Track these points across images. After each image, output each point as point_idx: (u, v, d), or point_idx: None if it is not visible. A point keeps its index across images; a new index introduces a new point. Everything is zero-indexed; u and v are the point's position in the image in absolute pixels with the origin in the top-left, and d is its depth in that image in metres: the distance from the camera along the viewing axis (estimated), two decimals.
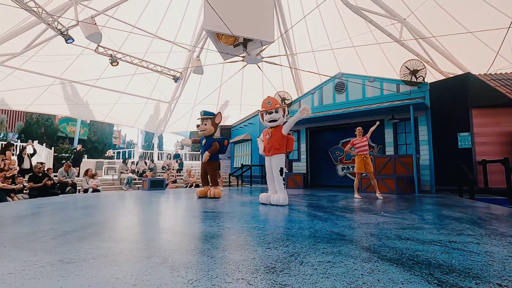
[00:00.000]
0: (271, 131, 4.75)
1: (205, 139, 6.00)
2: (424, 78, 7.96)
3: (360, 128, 6.14)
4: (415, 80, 7.99)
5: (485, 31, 8.09)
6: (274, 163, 4.63)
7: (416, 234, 2.44)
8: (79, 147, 14.49)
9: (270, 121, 4.75)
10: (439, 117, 8.01)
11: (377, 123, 6.28)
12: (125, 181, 11.25)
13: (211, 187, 5.96)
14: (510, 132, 7.41)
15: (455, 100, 7.95)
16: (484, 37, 9.19)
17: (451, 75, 10.04)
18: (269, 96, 4.96)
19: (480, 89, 7.68)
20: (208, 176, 5.98)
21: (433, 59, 10.71)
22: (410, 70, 8.08)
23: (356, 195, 5.83)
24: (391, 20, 10.54)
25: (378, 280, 1.39)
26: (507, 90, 7.30)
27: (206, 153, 5.81)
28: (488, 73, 8.11)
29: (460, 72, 9.79)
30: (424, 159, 7.99)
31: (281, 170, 4.57)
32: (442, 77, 10.29)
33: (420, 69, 7.99)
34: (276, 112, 4.72)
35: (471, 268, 1.58)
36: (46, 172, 8.29)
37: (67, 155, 18.23)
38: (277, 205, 4.40)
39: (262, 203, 4.68)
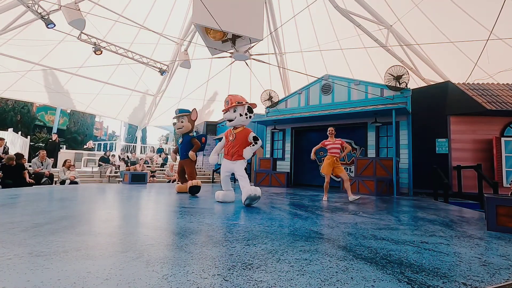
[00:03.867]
0: (236, 132, 4.38)
1: (181, 138, 5.96)
2: (407, 84, 8.20)
3: (332, 128, 5.73)
4: (398, 86, 8.22)
5: (466, 42, 8.44)
6: (238, 169, 4.32)
7: (391, 234, 2.52)
8: (54, 136, 13.66)
9: (228, 121, 4.44)
10: (419, 122, 8.28)
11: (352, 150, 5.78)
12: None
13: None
14: (484, 140, 7.77)
15: (435, 107, 8.24)
16: (464, 48, 9.56)
17: (432, 83, 10.41)
18: (229, 95, 4.56)
19: (458, 97, 8.00)
20: (186, 173, 5.91)
21: (416, 66, 11.06)
22: (394, 76, 8.30)
23: (325, 197, 5.44)
24: (378, 26, 10.77)
25: (352, 278, 1.42)
26: (483, 100, 7.65)
27: (192, 153, 5.76)
28: (466, 83, 8.45)
29: (441, 80, 10.16)
30: (403, 162, 8.24)
31: (244, 169, 4.39)
32: (423, 84, 10.64)
33: (404, 75, 8.22)
34: (234, 111, 4.35)
35: (440, 268, 1.64)
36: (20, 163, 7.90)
37: (43, 145, 17.51)
38: (255, 196, 4.05)
39: (217, 201, 4.47)
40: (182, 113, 5.97)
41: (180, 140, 5.96)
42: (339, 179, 6.16)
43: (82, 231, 2.23)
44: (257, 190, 4.09)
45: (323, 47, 12.51)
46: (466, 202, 6.65)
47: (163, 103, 17.02)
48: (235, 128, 4.45)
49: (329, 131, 5.73)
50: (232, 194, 4.57)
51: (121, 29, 11.70)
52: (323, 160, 5.71)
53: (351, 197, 5.30)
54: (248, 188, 4.07)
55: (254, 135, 4.31)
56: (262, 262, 1.61)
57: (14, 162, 7.21)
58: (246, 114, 4.35)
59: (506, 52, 9.03)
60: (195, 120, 6.07)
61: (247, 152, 4.24)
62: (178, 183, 6.23)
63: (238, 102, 4.35)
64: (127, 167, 11.51)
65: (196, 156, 5.97)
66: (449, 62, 10.54)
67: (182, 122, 5.91)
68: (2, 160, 7.35)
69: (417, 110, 8.29)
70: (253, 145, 4.25)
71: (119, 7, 11.25)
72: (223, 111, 4.53)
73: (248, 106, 4.39)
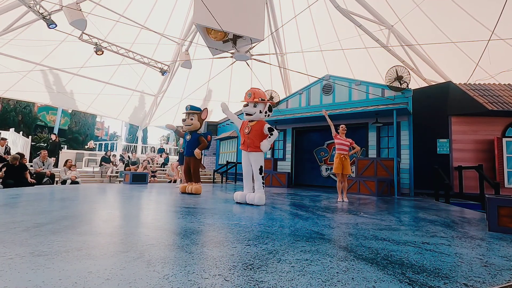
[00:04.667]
0: (251, 125, 4.42)
1: (189, 135, 5.93)
2: (408, 85, 8.19)
3: (344, 126, 5.88)
4: (400, 86, 8.20)
5: (467, 42, 8.41)
6: (254, 161, 4.38)
7: (392, 235, 2.51)
8: (54, 136, 13.69)
9: (246, 115, 4.46)
10: (420, 123, 8.26)
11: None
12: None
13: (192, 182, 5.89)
14: (485, 140, 7.75)
15: (436, 107, 8.22)
16: (465, 48, 9.54)
17: (433, 83, 10.38)
18: (252, 88, 4.57)
19: (459, 97, 7.98)
20: (191, 171, 5.91)
21: (417, 66, 11.03)
22: (395, 76, 8.28)
23: (339, 198, 5.51)
24: (379, 26, 10.75)
25: (353, 279, 1.42)
26: (485, 100, 7.62)
27: (198, 150, 5.73)
28: (468, 83, 8.43)
29: (442, 80, 10.14)
30: (404, 163, 8.23)
31: (261, 168, 4.35)
32: (425, 84, 10.61)
33: (405, 76, 8.21)
34: (255, 106, 4.38)
35: (441, 268, 1.64)
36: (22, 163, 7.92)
37: (45, 145, 17.55)
38: (252, 204, 4.23)
39: (237, 202, 4.45)
40: (193, 111, 5.94)
41: (188, 137, 5.92)
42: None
43: (83, 231, 2.23)
44: (261, 201, 4.24)
45: (324, 47, 12.49)
46: (467, 203, 6.63)
47: (164, 103, 17.03)
48: (250, 120, 4.51)
49: (341, 128, 5.84)
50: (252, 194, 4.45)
51: (122, 29, 11.71)
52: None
53: (345, 198, 5.54)
54: (253, 196, 4.26)
55: (269, 126, 4.35)
56: (263, 263, 1.60)
57: (18, 162, 7.23)
58: (266, 113, 4.46)
59: (507, 52, 8.99)
60: (204, 119, 6.07)
61: (265, 145, 4.30)
62: (180, 183, 6.24)
63: (261, 99, 4.42)
64: (127, 168, 11.53)
65: (201, 155, 6.00)
66: (450, 62, 10.51)
67: (191, 119, 5.87)
68: (7, 160, 7.37)
69: (418, 111, 8.27)
70: (269, 137, 4.29)
71: (120, 7, 11.27)
72: (242, 101, 4.57)
73: (269, 105, 4.49)
